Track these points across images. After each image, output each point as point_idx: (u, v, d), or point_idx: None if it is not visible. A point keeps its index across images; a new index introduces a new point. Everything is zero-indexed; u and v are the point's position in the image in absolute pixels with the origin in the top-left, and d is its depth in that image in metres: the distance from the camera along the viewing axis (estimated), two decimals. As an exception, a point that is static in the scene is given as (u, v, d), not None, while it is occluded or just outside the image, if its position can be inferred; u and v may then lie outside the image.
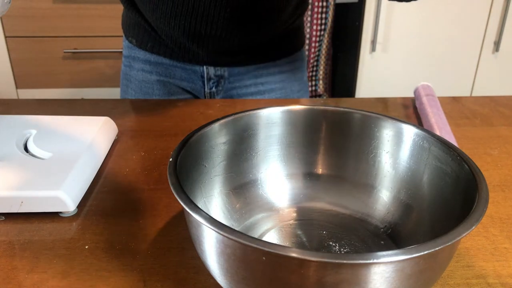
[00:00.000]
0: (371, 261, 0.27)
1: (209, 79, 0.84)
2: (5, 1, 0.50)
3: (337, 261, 0.27)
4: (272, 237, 0.43)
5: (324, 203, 0.46)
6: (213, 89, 0.85)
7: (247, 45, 0.80)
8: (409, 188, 0.43)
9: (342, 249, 0.41)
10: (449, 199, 0.39)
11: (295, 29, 0.86)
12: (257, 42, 0.81)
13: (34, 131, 0.58)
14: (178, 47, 0.81)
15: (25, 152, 0.54)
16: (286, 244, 0.42)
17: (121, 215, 0.48)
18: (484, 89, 2.00)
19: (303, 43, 0.91)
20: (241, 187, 0.45)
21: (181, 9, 0.74)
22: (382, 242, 0.42)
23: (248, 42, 0.80)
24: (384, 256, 0.27)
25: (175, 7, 0.74)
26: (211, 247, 0.32)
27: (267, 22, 0.78)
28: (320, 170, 0.48)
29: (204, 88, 0.85)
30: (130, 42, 0.86)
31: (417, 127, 0.43)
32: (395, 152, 0.44)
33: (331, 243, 0.42)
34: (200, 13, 0.74)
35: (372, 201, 0.45)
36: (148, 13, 0.79)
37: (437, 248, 0.28)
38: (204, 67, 0.83)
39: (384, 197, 0.44)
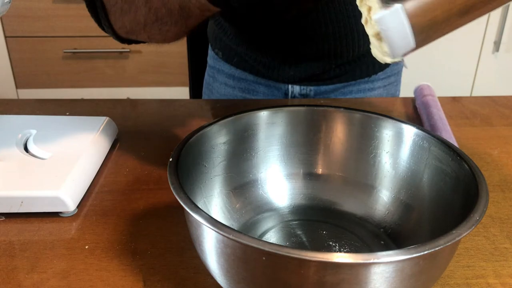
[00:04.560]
0: (371, 261, 0.27)
1: (293, 97, 0.80)
2: (5, 1, 0.50)
3: (337, 261, 0.27)
4: (272, 237, 0.43)
5: (324, 203, 0.46)
6: None
7: (341, 62, 0.75)
8: (409, 188, 0.43)
9: (342, 249, 0.41)
10: (449, 199, 0.39)
11: None
12: (351, 59, 0.75)
13: (34, 131, 0.58)
14: (266, 68, 0.77)
15: (25, 152, 0.54)
16: (286, 244, 0.42)
17: (121, 215, 0.48)
18: (484, 89, 2.00)
19: None
20: (241, 187, 0.45)
21: (270, 41, 0.71)
22: (382, 242, 0.42)
23: (342, 59, 0.75)
24: (384, 256, 0.27)
25: (266, 40, 0.71)
26: (211, 247, 0.32)
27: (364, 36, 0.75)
28: (320, 170, 0.48)
29: None
30: (216, 54, 0.83)
31: (417, 127, 0.43)
32: (395, 152, 0.44)
33: (331, 243, 0.42)
34: (294, 43, 0.70)
35: (372, 201, 0.45)
36: (233, 42, 0.76)
37: (437, 248, 0.28)
38: (289, 85, 0.79)
39: (384, 197, 0.44)
